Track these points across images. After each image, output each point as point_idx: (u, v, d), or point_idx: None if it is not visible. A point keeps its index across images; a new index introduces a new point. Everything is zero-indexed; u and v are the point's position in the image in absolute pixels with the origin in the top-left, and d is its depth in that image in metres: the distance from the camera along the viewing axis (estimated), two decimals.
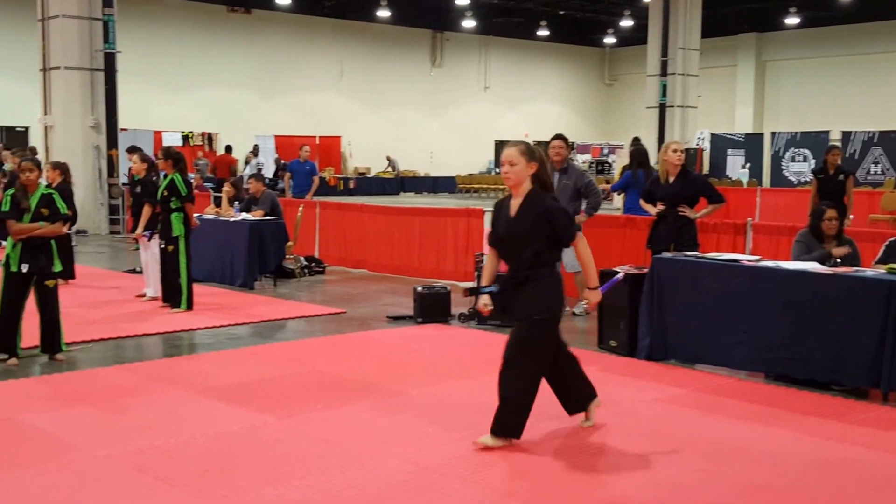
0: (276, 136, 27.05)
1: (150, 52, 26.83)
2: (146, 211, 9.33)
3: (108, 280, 11.05)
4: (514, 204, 4.73)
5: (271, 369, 6.73)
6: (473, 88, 36.82)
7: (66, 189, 8.89)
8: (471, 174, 34.41)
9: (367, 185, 30.88)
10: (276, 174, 22.16)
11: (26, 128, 25.23)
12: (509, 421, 4.71)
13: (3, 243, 8.10)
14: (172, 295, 8.95)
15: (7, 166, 14.36)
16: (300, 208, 12.19)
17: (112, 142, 17.07)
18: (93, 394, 5.90)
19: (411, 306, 8.59)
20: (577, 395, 5.11)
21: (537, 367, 4.74)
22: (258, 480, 4.34)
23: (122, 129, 18.06)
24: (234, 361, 6.97)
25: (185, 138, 27.52)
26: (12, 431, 5.05)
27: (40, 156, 14.99)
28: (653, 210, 7.83)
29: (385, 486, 4.25)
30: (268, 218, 11.09)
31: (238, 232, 10.73)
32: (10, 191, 6.87)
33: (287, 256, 11.43)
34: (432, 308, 8.38)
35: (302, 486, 4.28)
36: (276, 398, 5.85)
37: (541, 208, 4.64)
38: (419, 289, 8.60)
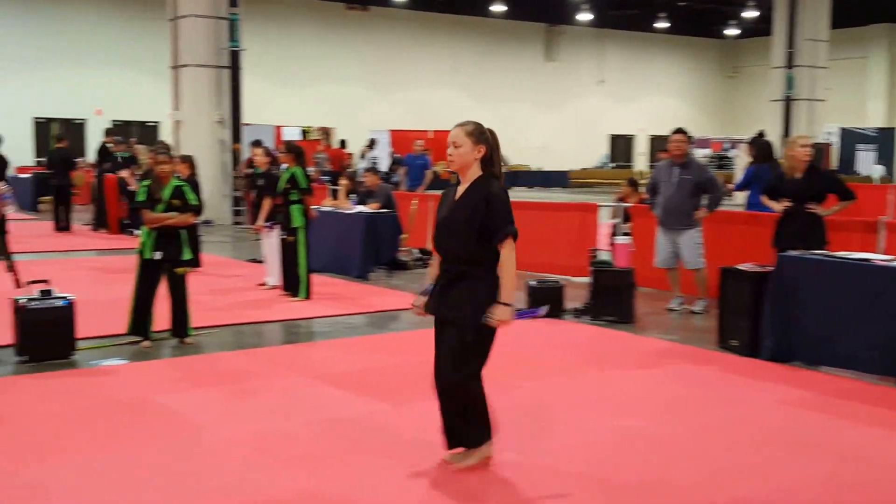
0: (391, 131, 27.43)
1: (272, 50, 27.66)
2: (267, 203, 9.62)
3: (232, 269, 11.46)
4: (460, 190, 4.20)
5: (386, 358, 6.85)
6: (588, 82, 36.40)
7: (194, 181, 9.27)
8: (584, 169, 34.05)
9: None
10: (390, 168, 22.48)
11: (157, 123, 26.44)
12: (482, 430, 4.29)
13: (137, 232, 8.52)
14: (292, 284, 9.21)
15: (141, 159, 15.11)
16: (415, 201, 12.32)
17: (236, 136, 17.67)
18: (218, 377, 6.14)
19: (524, 300, 8.57)
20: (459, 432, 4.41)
21: (477, 371, 4.21)
22: (374, 465, 4.42)
23: (245, 124, 18.67)
24: (350, 350, 7.12)
25: (304, 133, 28.22)
26: (145, 409, 5.31)
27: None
28: (776, 207, 7.56)
29: (488, 481, 4.26)
30: (383, 211, 11.27)
31: (354, 224, 10.94)
32: (146, 182, 7.22)
33: (401, 248, 11.58)
34: (545, 302, 8.33)
35: (416, 471, 4.34)
36: (391, 386, 5.94)
37: (483, 194, 4.08)
38: (532, 282, 8.57)
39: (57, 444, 4.66)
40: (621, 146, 38.21)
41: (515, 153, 33.63)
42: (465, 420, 4.26)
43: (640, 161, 37.52)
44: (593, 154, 36.13)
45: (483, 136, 4.17)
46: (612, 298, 8.11)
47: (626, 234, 9.19)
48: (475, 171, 4.17)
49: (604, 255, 9.15)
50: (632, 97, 37.44)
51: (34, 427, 4.92)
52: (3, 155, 12.84)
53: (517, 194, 27.22)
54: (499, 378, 6.11)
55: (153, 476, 4.21)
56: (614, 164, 36.78)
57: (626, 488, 4.19)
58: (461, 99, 32.91)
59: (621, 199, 10.66)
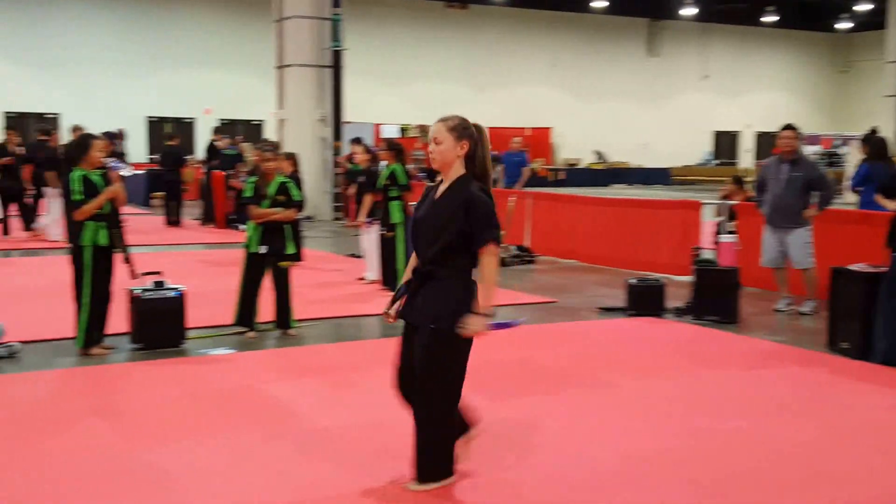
0: (489, 128, 27.51)
1: (372, 49, 28.06)
2: (368, 199, 9.77)
3: (332, 263, 11.69)
4: (440, 189, 3.89)
5: (483, 353, 6.77)
6: (691, 78, 35.63)
7: (297, 178, 9.51)
8: (686, 166, 33.34)
9: (577, 176, 30.68)
10: None
11: (261, 121, 27.19)
12: (435, 465, 3.93)
13: (243, 227, 8.78)
14: (391, 278, 9.33)
15: (247, 156, 15.56)
16: (512, 198, 12.31)
17: (337, 134, 18.01)
18: (319, 367, 6.28)
19: (623, 298, 8.46)
20: None
21: (448, 389, 3.88)
22: (481, 460, 4.43)
23: (346, 122, 19.00)
24: None
25: (403, 130, 28.55)
26: (250, 397, 5.47)
27: None
28: (890, 206, 7.24)
29: (592, 475, 4.23)
30: None
31: None
32: (253, 178, 7.45)
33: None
34: (646, 300, 8.21)
35: (512, 467, 4.34)
36: (488, 382, 5.94)
37: (464, 196, 3.75)
38: (632, 281, 8.46)
39: (169, 427, 4.85)
40: (725, 143, 37.26)
41: (615, 150, 33.25)
42: (429, 447, 3.87)
43: (746, 158, 36.51)
44: (696, 151, 35.35)
45: (467, 132, 3.83)
46: (716, 298, 7.93)
47: (731, 232, 8.96)
48: (458, 170, 3.83)
49: (707, 254, 8.95)
50: (737, 93, 36.46)
51: (148, 411, 5.14)
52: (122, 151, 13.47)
53: (616, 191, 26.90)
54: (599, 376, 6.08)
55: (257, 460, 4.34)
56: (718, 162, 35.91)
57: (729, 491, 4.09)
58: (559, 96, 32.69)
59: (726, 197, 10.40)
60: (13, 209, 13.58)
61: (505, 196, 12.76)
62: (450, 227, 3.73)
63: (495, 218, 3.76)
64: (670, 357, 6.75)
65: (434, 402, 3.85)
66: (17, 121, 22.44)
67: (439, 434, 3.89)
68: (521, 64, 32.11)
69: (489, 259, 3.73)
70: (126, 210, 12.74)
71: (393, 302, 3.98)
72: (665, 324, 7.94)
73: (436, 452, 3.90)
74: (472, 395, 5.52)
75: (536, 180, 25.74)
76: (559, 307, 8.80)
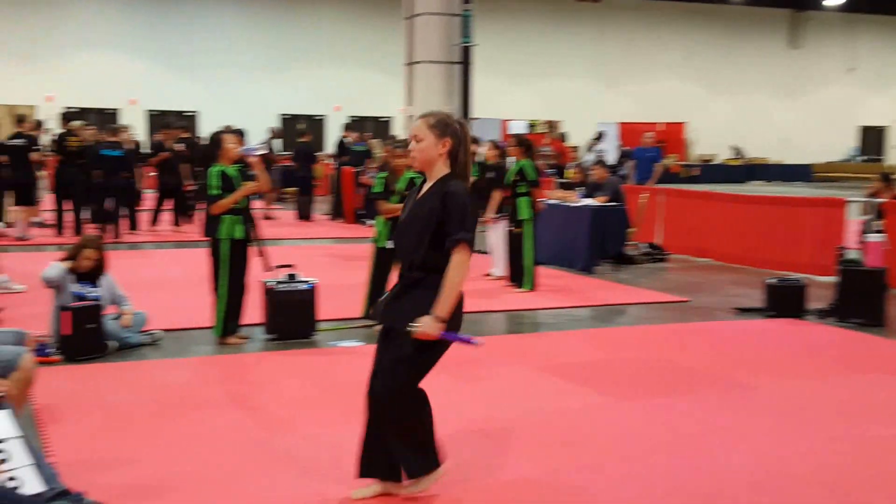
0: (620, 124, 27.00)
1: (501, 44, 28.04)
2: (496, 195, 9.75)
3: None
4: (424, 187, 3.71)
5: (612, 352, 6.74)
6: (835, 70, 33.97)
7: None
8: (829, 162, 31.80)
9: (712, 172, 29.70)
10: (618, 161, 22.17)
11: (390, 118, 27.65)
12: (411, 459, 3.74)
13: (371, 222, 8.92)
14: (517, 275, 9.29)
15: (376, 153, 15.83)
16: (644, 195, 12.04)
17: None
18: (444, 362, 6.15)
19: (761, 298, 8.12)
20: (378, 460, 3.78)
21: (412, 380, 3.68)
22: (599, 458, 4.37)
23: (474, 118, 19.04)
24: (575, 342, 7.07)
25: (531, 126, 28.41)
26: None
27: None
28: None
29: (725, 482, 4.06)
30: (611, 204, 11.11)
31: (581, 217, 10.85)
32: (382, 174, 7.56)
33: (628, 242, 11.37)
34: (786, 301, 7.85)
35: (645, 465, 4.25)
36: (617, 380, 5.84)
37: (444, 190, 3.57)
38: (772, 280, 8.11)
39: (301, 415, 4.97)
40: (872, 138, 35.30)
41: (753, 146, 32.03)
42: (402, 444, 3.69)
43: (893, 154, 34.52)
44: (839, 146, 33.65)
45: (449, 129, 3.62)
46: (862, 300, 7.53)
47: (878, 231, 8.47)
48: (441, 169, 3.64)
49: (853, 254, 8.49)
50: (885, 85, 34.49)
51: (281, 399, 5.28)
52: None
53: (754, 188, 25.91)
54: (735, 378, 5.86)
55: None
56: (864, 158, 34.06)
57: (870, 501, 3.85)
58: (694, 90, 31.77)
59: (873, 195, 9.85)
60: (169, 204, 14.25)
61: (636, 192, 12.50)
62: (429, 226, 3.55)
63: (471, 218, 3.57)
64: (812, 360, 6.43)
65: (398, 398, 3.66)
66: (157, 118, 23.59)
67: (414, 427, 3.72)
68: (654, 57, 31.38)
69: (458, 259, 3.51)
70: (263, 204, 13.20)
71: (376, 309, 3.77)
72: (806, 326, 7.58)
73: (417, 445, 3.72)
74: (601, 396, 5.44)
75: (669, 177, 25.12)
76: (692, 307, 8.54)
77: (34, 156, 12.12)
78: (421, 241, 3.56)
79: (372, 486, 3.79)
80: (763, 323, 7.73)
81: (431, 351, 3.61)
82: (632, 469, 4.22)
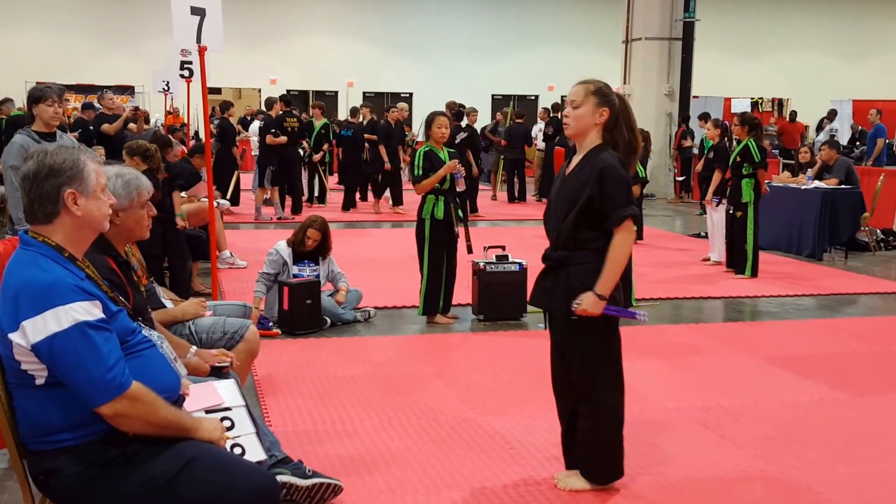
0: (854, 101, 24.96)
1: (724, 18, 26.66)
2: (716, 176, 9.31)
3: (676, 243, 11.30)
4: (574, 161, 3.52)
5: (841, 344, 6.27)
6: None
7: (643, 156, 9.27)
8: None
9: None
10: (850, 141, 20.54)
11: None
12: (599, 465, 3.59)
13: None
14: (737, 260, 8.84)
15: None
16: (881, 177, 11.07)
17: (684, 109, 17.39)
18: (660, 348, 6.08)
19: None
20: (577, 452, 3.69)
21: (610, 370, 3.49)
22: (828, 456, 4.08)
23: (694, 97, 18.28)
24: (799, 332, 6.63)
25: (755, 105, 26.91)
26: None
27: None
28: None
29: None
30: (842, 187, 10.34)
31: (809, 200, 10.18)
32: None
33: (862, 228, 10.52)
34: None
35: (876, 469, 3.91)
36: (848, 374, 5.43)
37: (598, 167, 3.36)
38: None
39: (508, 397, 4.93)
40: None
41: None
42: (584, 446, 3.58)
43: None
44: None
45: (608, 99, 3.44)
46: None
47: None
48: (593, 139, 3.46)
49: None
50: None
51: (487, 379, 5.26)
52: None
53: None
54: None
55: None
56: None
57: None
58: None
59: None
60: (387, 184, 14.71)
61: (874, 176, 11.52)
62: (580, 201, 3.38)
63: (631, 193, 3.40)
64: None
65: (592, 396, 3.49)
66: (373, 100, 24.41)
67: (607, 428, 3.52)
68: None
69: (623, 237, 3.34)
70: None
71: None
72: None
73: (610, 449, 3.55)
74: (831, 390, 5.04)
75: None
76: None
77: (269, 138, 12.80)
78: (570, 218, 3.41)
79: (572, 478, 3.67)
80: None
81: (603, 331, 3.44)
82: (865, 471, 3.89)
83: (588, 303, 3.34)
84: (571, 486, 3.64)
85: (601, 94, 3.46)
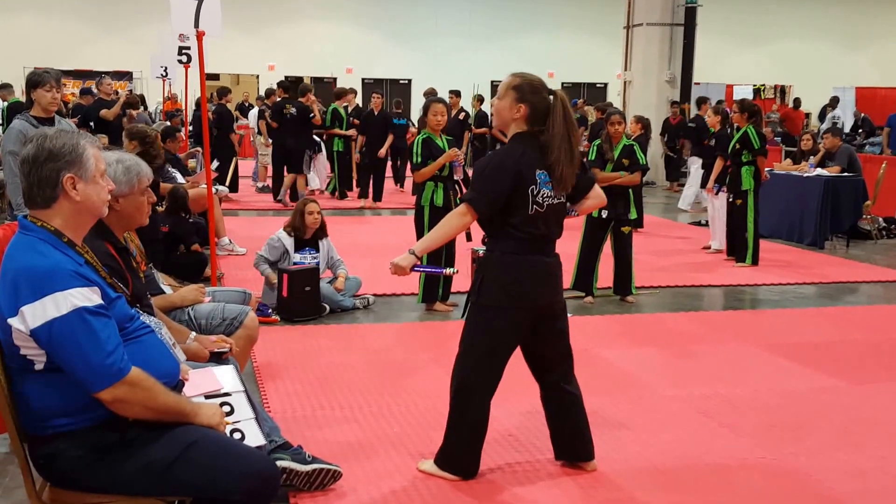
0: (857, 88, 24.89)
1: (728, 4, 26.53)
2: (718, 164, 9.28)
3: (675, 230, 11.30)
4: None
5: (841, 332, 6.27)
6: None
7: (643, 142, 9.25)
8: None
9: None
10: (853, 128, 20.49)
11: (605, 84, 27.05)
12: (451, 454, 3.62)
13: None
14: (738, 248, 8.83)
15: (590, 119, 15.52)
16: (883, 165, 11.04)
17: (685, 95, 17.33)
18: (658, 336, 6.07)
19: None
20: (570, 442, 3.76)
21: (471, 358, 3.59)
22: (828, 444, 4.09)
23: (696, 83, 18.21)
24: (800, 320, 6.63)
25: (757, 91, 26.85)
26: (588, 361, 5.39)
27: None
28: None
29: None
30: (844, 174, 10.31)
31: (810, 188, 10.15)
32: (597, 142, 7.36)
33: (864, 216, 10.50)
34: None
35: (875, 456, 3.92)
36: (848, 362, 5.43)
37: None
38: None
39: (504, 383, 4.89)
40: None
41: None
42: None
43: None
44: None
45: (529, 96, 3.40)
46: None
47: None
48: (513, 133, 3.48)
49: None
50: None
51: None
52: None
53: None
54: None
55: (611, 422, 4.28)
56: None
57: None
58: None
59: None
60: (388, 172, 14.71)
61: (876, 163, 11.49)
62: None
63: (482, 180, 3.40)
64: None
65: (456, 382, 3.62)
66: (372, 86, 24.32)
67: (464, 416, 3.61)
68: None
69: (453, 214, 3.49)
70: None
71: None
72: None
73: (460, 443, 3.60)
74: (831, 378, 5.04)
75: None
76: None
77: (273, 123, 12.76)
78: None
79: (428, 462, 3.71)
80: None
81: (478, 325, 3.55)
82: (864, 458, 3.90)
83: (401, 260, 3.48)
84: (424, 469, 3.68)
85: (520, 90, 3.42)
